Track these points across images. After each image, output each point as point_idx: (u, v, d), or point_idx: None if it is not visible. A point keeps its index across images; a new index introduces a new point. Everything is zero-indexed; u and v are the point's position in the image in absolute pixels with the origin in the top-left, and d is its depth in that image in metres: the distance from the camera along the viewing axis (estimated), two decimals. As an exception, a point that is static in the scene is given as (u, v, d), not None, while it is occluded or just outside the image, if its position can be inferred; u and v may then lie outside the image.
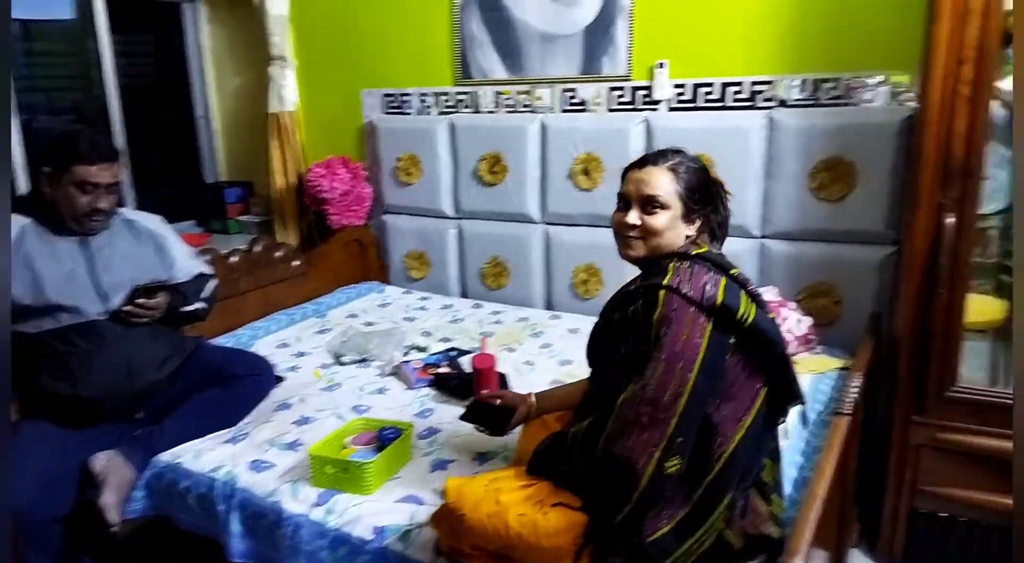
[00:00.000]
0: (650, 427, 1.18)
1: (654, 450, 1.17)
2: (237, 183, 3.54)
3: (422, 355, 2.37)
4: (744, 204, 2.44)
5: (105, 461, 1.77)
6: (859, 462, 2.01)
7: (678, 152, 1.36)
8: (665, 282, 1.24)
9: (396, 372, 2.26)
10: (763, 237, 2.50)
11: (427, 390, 2.14)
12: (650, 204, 1.30)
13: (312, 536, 1.58)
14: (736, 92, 2.50)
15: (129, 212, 2.11)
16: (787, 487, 1.57)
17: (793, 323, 2.22)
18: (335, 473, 1.64)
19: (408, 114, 3.12)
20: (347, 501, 1.60)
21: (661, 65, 2.58)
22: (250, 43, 3.29)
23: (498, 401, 1.65)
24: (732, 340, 1.24)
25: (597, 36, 2.67)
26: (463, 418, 1.65)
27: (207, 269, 2.23)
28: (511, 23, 2.81)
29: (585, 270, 2.80)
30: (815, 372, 2.15)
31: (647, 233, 1.31)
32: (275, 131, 3.17)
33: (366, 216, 3.24)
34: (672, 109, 2.61)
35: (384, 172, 3.16)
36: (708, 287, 1.22)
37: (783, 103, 2.42)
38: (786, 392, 1.32)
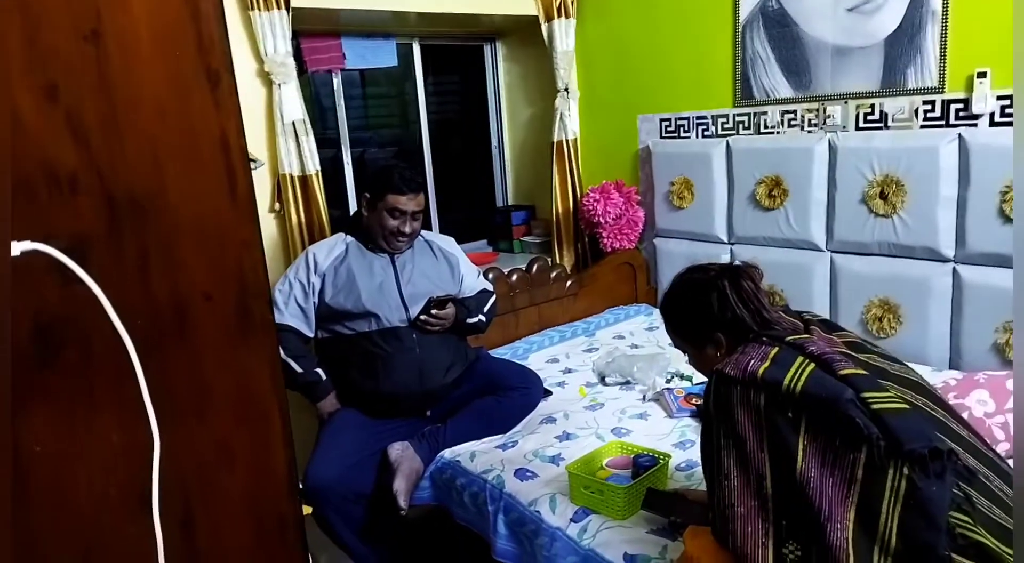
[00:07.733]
0: (750, 518, 1.15)
1: (766, 540, 1.13)
2: (522, 207, 3.84)
3: (686, 384, 2.33)
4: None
5: (400, 450, 2.04)
6: None
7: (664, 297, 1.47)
8: (716, 367, 1.24)
9: (658, 398, 2.26)
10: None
11: (688, 420, 2.11)
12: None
13: (567, 551, 1.65)
14: (1087, 100, 2.07)
15: (429, 234, 2.41)
16: None
17: None
18: (590, 493, 1.70)
19: (685, 138, 3.10)
20: (600, 522, 1.64)
21: (982, 74, 2.24)
22: (539, 77, 3.56)
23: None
24: (790, 414, 1.11)
25: (900, 46, 2.41)
26: (643, 507, 1.63)
27: (489, 286, 2.46)
28: (799, 39, 2.66)
29: (880, 305, 2.52)
30: None
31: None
32: (557, 158, 3.37)
33: (637, 239, 3.29)
34: (994, 124, 2.25)
35: (657, 196, 3.18)
36: (753, 363, 1.18)
37: None
38: (892, 445, 1.04)
